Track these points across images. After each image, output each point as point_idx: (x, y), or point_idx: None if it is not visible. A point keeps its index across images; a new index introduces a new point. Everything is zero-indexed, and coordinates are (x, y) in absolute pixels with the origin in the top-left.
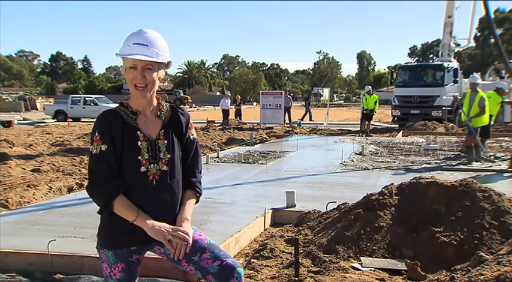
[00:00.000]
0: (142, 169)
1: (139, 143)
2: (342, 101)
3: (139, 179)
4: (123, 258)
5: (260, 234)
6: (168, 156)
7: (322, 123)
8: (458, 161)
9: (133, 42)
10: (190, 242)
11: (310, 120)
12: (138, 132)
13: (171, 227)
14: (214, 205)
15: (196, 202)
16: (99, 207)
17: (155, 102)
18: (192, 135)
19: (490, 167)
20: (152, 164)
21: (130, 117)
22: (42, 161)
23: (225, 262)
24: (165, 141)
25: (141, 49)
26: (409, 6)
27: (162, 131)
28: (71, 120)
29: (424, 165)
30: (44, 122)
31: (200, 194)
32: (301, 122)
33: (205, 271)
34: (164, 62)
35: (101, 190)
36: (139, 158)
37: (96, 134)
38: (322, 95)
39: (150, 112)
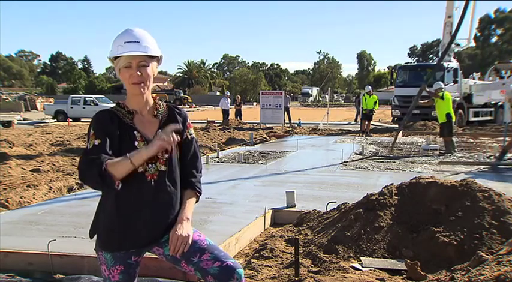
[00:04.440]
0: (140, 169)
1: (136, 143)
2: (342, 101)
3: (138, 179)
4: (122, 260)
5: (260, 234)
6: (166, 155)
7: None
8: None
9: (125, 41)
10: (190, 241)
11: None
12: (135, 132)
13: (161, 133)
14: (214, 205)
15: (196, 201)
16: (95, 184)
17: (151, 102)
18: (191, 134)
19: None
20: (150, 164)
21: (127, 117)
22: (42, 161)
23: (225, 263)
24: None
25: (133, 46)
26: (409, 6)
27: (160, 130)
28: (71, 120)
29: (425, 166)
30: (44, 122)
31: (200, 194)
32: (352, 122)
33: (205, 272)
34: (157, 56)
35: (91, 166)
36: None
37: (92, 131)
38: (311, 95)
39: (147, 112)
